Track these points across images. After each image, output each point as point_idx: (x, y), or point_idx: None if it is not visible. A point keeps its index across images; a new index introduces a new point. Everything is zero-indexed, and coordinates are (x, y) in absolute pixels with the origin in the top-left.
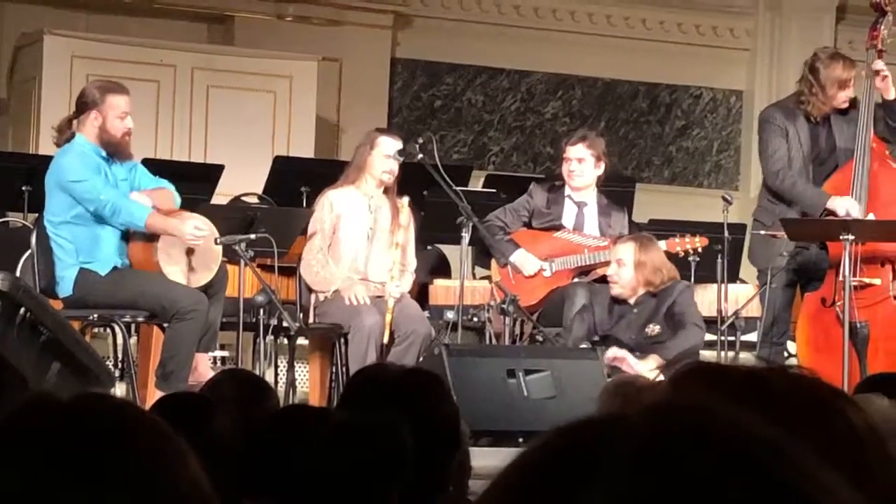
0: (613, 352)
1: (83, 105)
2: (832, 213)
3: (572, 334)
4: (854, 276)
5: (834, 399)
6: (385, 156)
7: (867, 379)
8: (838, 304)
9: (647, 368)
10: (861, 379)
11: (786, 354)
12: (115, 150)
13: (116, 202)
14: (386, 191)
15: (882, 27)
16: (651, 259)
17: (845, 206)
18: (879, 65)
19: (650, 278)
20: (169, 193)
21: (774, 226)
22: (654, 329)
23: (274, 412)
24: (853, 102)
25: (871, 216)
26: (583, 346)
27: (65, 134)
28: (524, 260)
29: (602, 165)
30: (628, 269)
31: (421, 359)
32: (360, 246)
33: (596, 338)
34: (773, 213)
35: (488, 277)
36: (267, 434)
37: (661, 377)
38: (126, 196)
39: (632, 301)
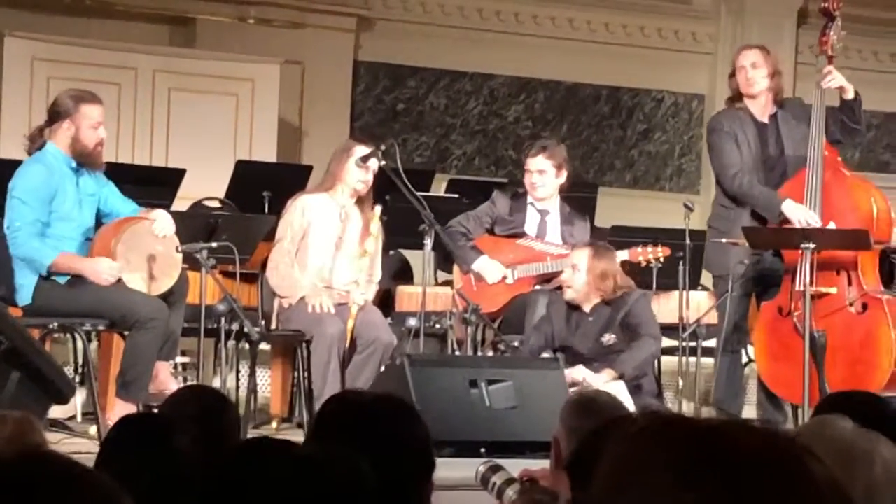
0: (570, 376)
1: (56, 114)
2: (787, 219)
3: (529, 346)
4: (810, 285)
5: (795, 453)
6: (359, 166)
7: (827, 398)
8: (795, 313)
9: (602, 382)
10: (819, 388)
11: (745, 360)
12: (86, 160)
13: (25, 239)
14: (359, 200)
15: (831, 33)
16: (601, 266)
17: (801, 215)
18: (831, 81)
19: (601, 286)
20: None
21: (730, 233)
22: (609, 339)
23: (235, 446)
24: (787, 102)
25: (832, 224)
26: (545, 355)
27: (36, 142)
28: (488, 267)
29: (564, 174)
30: (581, 274)
31: (383, 368)
32: (326, 254)
33: (555, 350)
34: (728, 218)
35: (450, 282)
36: (227, 469)
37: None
38: (39, 238)
39: (587, 309)
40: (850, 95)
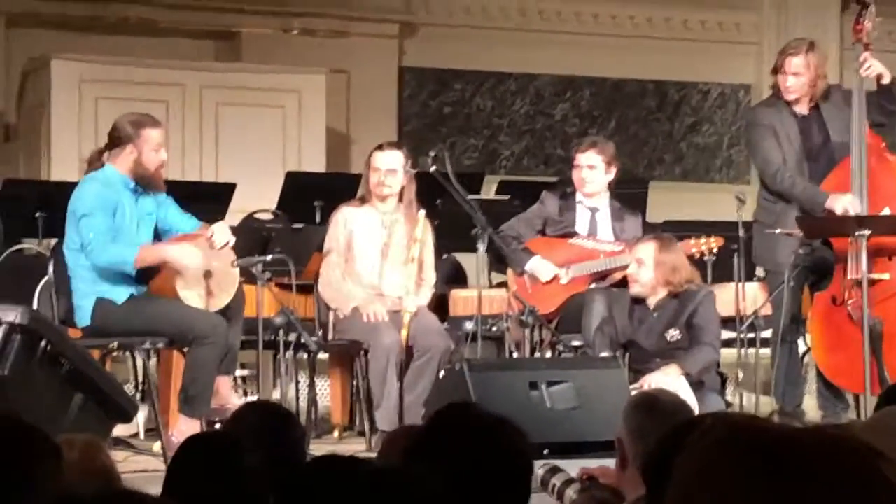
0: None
1: (117, 139)
2: (831, 212)
3: (596, 351)
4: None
5: (869, 458)
6: (375, 170)
7: (889, 389)
8: (849, 302)
9: (674, 376)
10: (879, 376)
11: (801, 350)
12: (148, 183)
13: (103, 247)
14: (406, 207)
15: (865, 20)
16: (671, 259)
17: (843, 204)
18: (868, 69)
19: (669, 278)
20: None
21: (777, 226)
22: (674, 335)
23: (303, 465)
24: (829, 90)
25: (886, 210)
26: (605, 354)
27: (94, 165)
28: (540, 266)
29: (613, 170)
30: (648, 268)
31: (442, 373)
32: (374, 262)
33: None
34: (774, 211)
35: (505, 284)
36: (296, 487)
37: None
38: (112, 242)
39: (652, 304)
40: (887, 80)
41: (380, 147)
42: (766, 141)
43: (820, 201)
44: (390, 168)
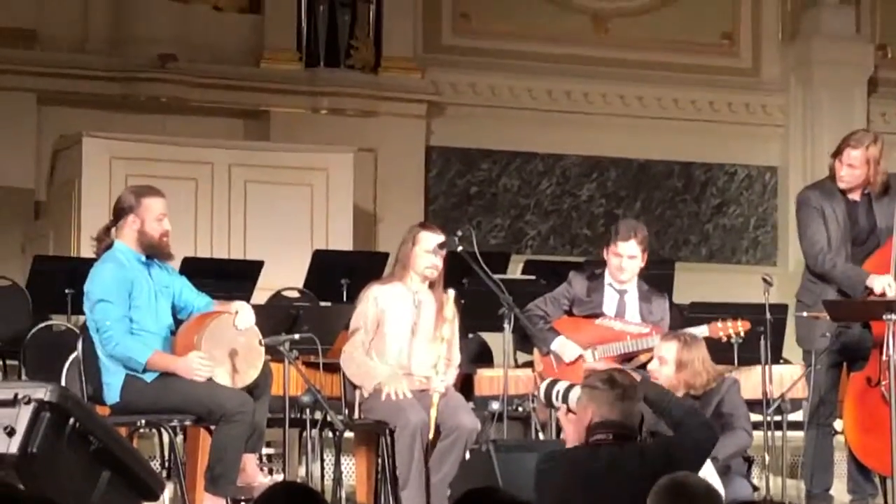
0: None
1: (120, 211)
2: (871, 290)
3: None
4: None
5: None
6: (426, 251)
7: None
8: (884, 383)
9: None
10: None
11: (833, 432)
12: (154, 252)
13: (120, 338)
14: (431, 285)
15: None
16: (693, 360)
17: (882, 283)
18: None
19: (690, 381)
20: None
21: (816, 306)
22: None
23: None
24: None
25: None
26: None
27: (104, 242)
28: (564, 346)
29: (646, 255)
30: (669, 367)
31: (468, 454)
32: (403, 341)
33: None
34: (816, 293)
35: (531, 363)
36: None
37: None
38: (131, 335)
39: None
40: None
41: (427, 227)
42: (813, 223)
43: (860, 281)
44: (440, 251)
